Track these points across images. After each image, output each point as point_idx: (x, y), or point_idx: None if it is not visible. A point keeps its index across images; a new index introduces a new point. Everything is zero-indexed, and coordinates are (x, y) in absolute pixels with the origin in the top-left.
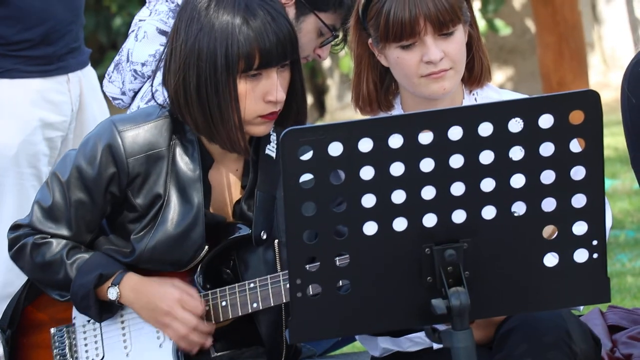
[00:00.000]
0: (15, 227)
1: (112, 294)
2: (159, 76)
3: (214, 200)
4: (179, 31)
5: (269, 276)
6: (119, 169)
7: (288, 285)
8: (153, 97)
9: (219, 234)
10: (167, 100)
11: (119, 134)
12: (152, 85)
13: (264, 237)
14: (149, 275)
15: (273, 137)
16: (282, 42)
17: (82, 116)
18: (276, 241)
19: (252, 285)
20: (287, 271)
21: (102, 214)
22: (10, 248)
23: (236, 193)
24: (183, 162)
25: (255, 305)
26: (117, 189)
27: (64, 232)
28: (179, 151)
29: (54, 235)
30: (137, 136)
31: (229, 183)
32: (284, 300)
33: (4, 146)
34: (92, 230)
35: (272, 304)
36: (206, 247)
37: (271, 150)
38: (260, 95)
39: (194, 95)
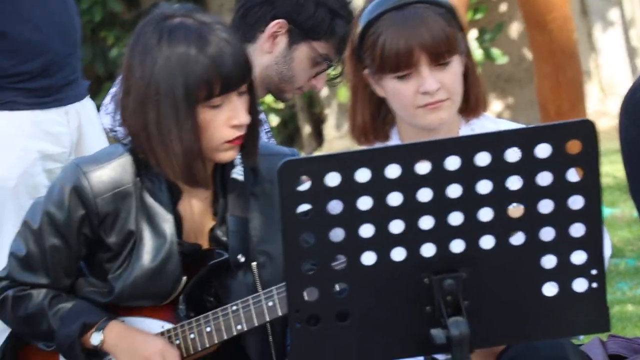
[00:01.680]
0: None
1: (95, 339)
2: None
3: (186, 230)
4: (132, 68)
5: (250, 297)
6: (88, 210)
7: (270, 304)
8: (115, 136)
9: (197, 262)
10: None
11: (84, 175)
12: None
13: (242, 260)
14: (131, 312)
15: (237, 161)
16: (240, 65)
17: (81, 147)
18: (254, 264)
19: (234, 307)
20: (266, 290)
21: (77, 256)
22: None
23: (208, 221)
24: (151, 197)
25: (239, 327)
26: (89, 230)
27: (43, 280)
28: (146, 186)
29: (33, 286)
30: (102, 175)
31: (200, 212)
32: (267, 319)
33: (4, 178)
34: (70, 274)
35: (257, 324)
36: (184, 277)
37: (238, 173)
38: (224, 121)
39: (155, 132)
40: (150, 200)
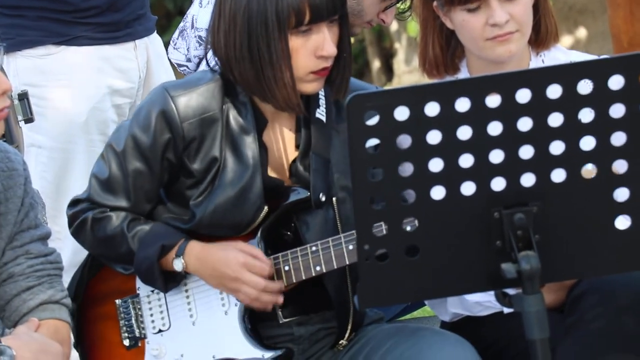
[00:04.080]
0: (73, 203)
1: (177, 265)
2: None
3: (270, 160)
4: None
5: (330, 239)
6: (174, 134)
7: (350, 247)
8: (206, 60)
9: (277, 198)
10: (218, 63)
11: (172, 99)
12: (205, 51)
13: (323, 199)
14: (209, 242)
15: (322, 102)
16: None
17: (149, 83)
18: (334, 199)
19: (314, 248)
20: (347, 233)
21: (159, 182)
22: (70, 224)
23: (291, 151)
24: (237, 124)
25: (318, 268)
26: (173, 155)
27: (123, 203)
28: (232, 113)
29: (113, 208)
30: (190, 100)
31: (284, 142)
32: (347, 263)
33: (74, 114)
34: (151, 199)
35: (335, 267)
36: (265, 207)
37: (321, 114)
38: (311, 50)
39: (246, 54)
40: (236, 127)
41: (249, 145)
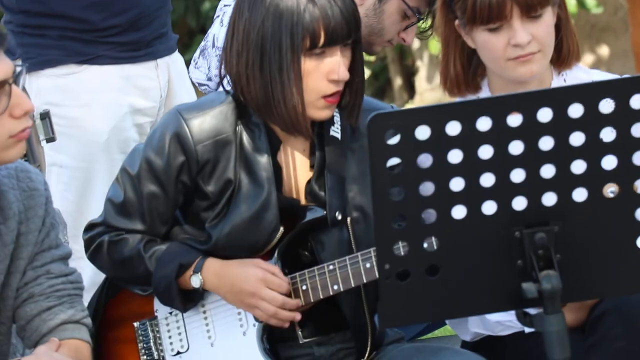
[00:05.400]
0: (89, 227)
1: (195, 282)
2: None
3: (285, 180)
4: (242, 11)
5: (347, 257)
6: (188, 157)
7: (368, 265)
8: (221, 82)
9: (292, 217)
10: (230, 84)
11: (186, 122)
12: (210, 70)
13: (339, 217)
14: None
15: (337, 119)
16: (347, 20)
17: (170, 102)
18: (348, 219)
19: (331, 267)
20: (365, 251)
21: (174, 204)
22: (86, 249)
23: (305, 172)
24: (251, 145)
25: (335, 287)
26: (188, 177)
27: (138, 226)
28: (245, 135)
29: (128, 231)
30: (203, 123)
31: (297, 163)
32: (364, 281)
33: (96, 132)
34: (166, 222)
35: (353, 285)
36: (281, 228)
37: (335, 131)
38: (323, 73)
39: (257, 74)
40: (249, 149)
41: (264, 166)
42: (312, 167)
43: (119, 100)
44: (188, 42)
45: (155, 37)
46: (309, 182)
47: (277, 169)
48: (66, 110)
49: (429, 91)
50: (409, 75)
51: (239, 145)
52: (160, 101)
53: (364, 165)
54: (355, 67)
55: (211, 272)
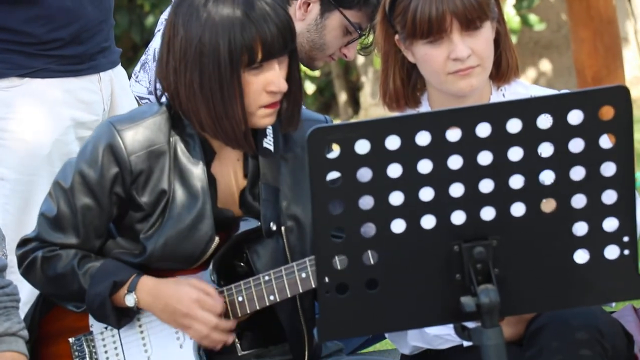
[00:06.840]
0: (22, 243)
1: (129, 301)
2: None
3: (220, 191)
4: (175, 27)
5: (283, 267)
6: (122, 168)
7: (303, 275)
8: (155, 94)
9: (227, 228)
10: (166, 96)
11: (119, 133)
12: (151, 84)
13: (274, 228)
14: (161, 276)
15: (269, 131)
16: (283, 33)
17: (113, 115)
18: (282, 228)
19: (267, 278)
20: (300, 261)
21: (108, 217)
22: (19, 264)
23: (240, 181)
24: (185, 156)
25: (272, 297)
26: (122, 189)
27: (72, 240)
28: (180, 146)
29: (62, 246)
30: (136, 134)
31: (233, 173)
32: (300, 290)
33: (38, 146)
34: (101, 235)
35: (289, 295)
36: (217, 238)
37: (268, 143)
38: (262, 86)
39: (198, 91)
40: (183, 159)
41: (198, 177)
42: (245, 175)
43: (61, 114)
44: (132, 56)
45: (98, 50)
46: (243, 192)
47: (212, 180)
48: (8, 123)
49: (374, 106)
50: (354, 91)
51: (172, 155)
52: (103, 115)
53: (297, 174)
54: (292, 76)
55: (145, 290)
